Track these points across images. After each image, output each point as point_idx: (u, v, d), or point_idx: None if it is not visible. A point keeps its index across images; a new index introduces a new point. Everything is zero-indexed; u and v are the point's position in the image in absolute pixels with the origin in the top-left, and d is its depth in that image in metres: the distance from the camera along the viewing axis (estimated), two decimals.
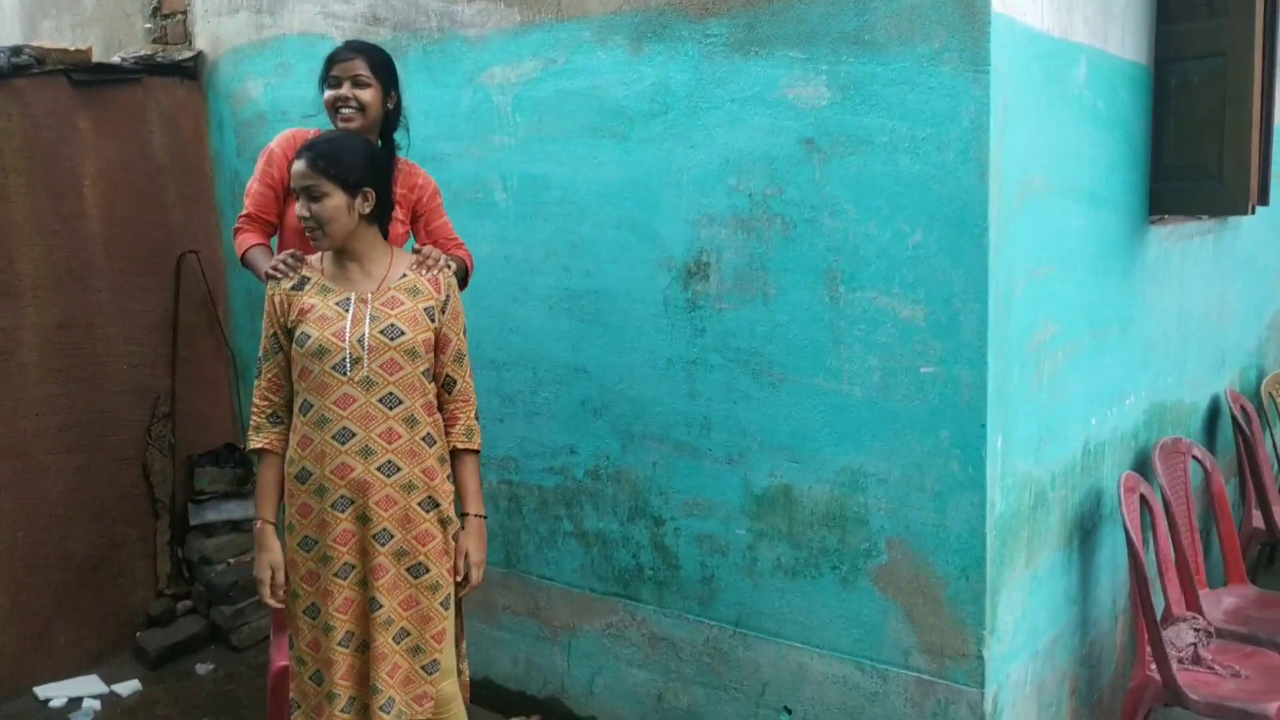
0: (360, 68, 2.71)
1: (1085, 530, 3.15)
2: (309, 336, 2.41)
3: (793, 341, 2.74)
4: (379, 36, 3.43)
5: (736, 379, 2.86)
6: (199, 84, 4.33)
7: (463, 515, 2.58)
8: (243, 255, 2.85)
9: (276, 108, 3.96)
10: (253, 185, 2.87)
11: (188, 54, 4.27)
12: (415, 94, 3.26)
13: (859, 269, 2.61)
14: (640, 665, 3.19)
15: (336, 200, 2.37)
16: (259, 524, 2.53)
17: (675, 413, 2.99)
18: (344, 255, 2.48)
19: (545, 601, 3.40)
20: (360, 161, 2.41)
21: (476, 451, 2.61)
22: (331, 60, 2.75)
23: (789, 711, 2.90)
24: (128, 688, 3.86)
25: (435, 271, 2.54)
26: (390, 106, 2.80)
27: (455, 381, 2.57)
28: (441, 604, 2.50)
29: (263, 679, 3.67)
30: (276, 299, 2.49)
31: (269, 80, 3.99)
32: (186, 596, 4.28)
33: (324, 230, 2.40)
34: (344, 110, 2.71)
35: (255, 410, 2.56)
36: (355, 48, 2.77)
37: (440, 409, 2.56)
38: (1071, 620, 3.11)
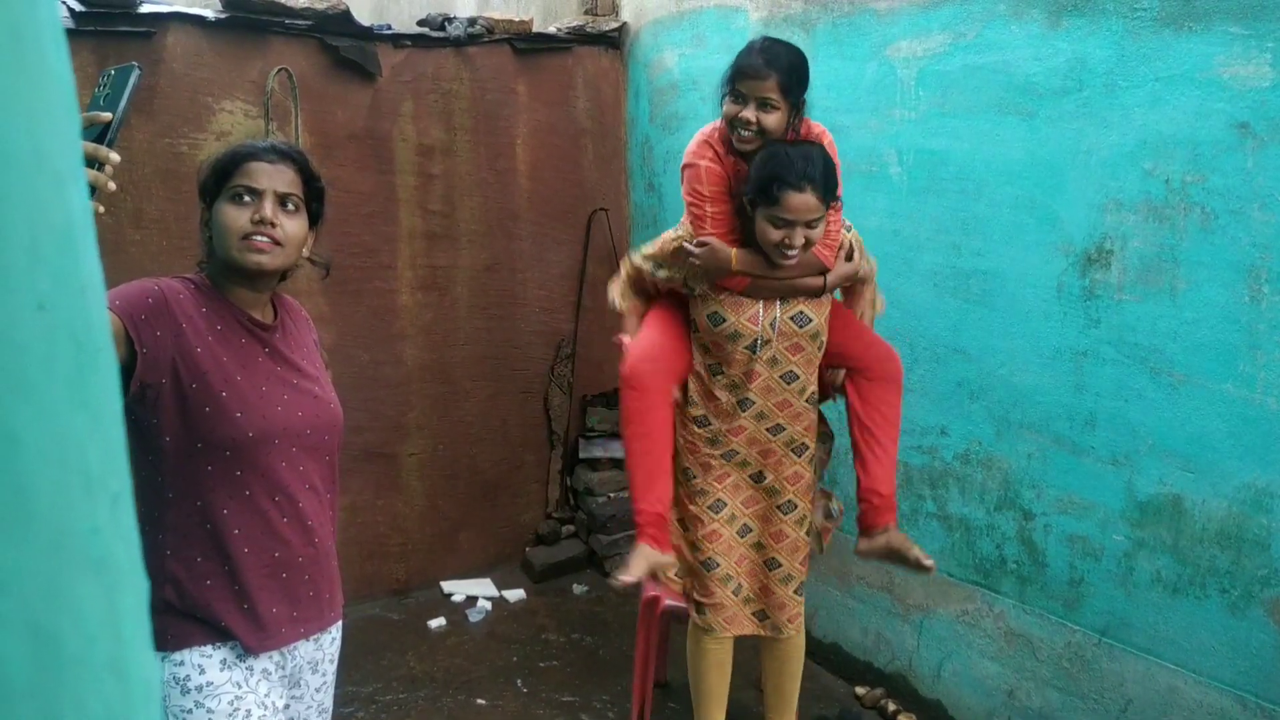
0: (771, 90, 2.40)
1: None
2: (723, 320, 2.56)
3: (1200, 342, 2.53)
4: (791, 10, 3.52)
5: (1130, 376, 2.69)
6: (621, 53, 4.66)
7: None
8: (733, 269, 2.50)
9: (689, 77, 4.17)
10: (708, 207, 2.52)
11: (614, 25, 4.61)
12: (820, 66, 3.30)
13: None
14: (993, 658, 3.12)
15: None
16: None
17: (1058, 405, 2.87)
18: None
19: (900, 578, 3.40)
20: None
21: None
22: (741, 72, 2.43)
23: None
24: (514, 595, 4.32)
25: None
26: (795, 124, 2.49)
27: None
28: (805, 533, 2.78)
29: (629, 606, 3.98)
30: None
31: (684, 51, 4.21)
32: (570, 522, 4.70)
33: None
34: (743, 133, 2.45)
35: (623, 281, 2.87)
36: (771, 64, 2.40)
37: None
38: None
